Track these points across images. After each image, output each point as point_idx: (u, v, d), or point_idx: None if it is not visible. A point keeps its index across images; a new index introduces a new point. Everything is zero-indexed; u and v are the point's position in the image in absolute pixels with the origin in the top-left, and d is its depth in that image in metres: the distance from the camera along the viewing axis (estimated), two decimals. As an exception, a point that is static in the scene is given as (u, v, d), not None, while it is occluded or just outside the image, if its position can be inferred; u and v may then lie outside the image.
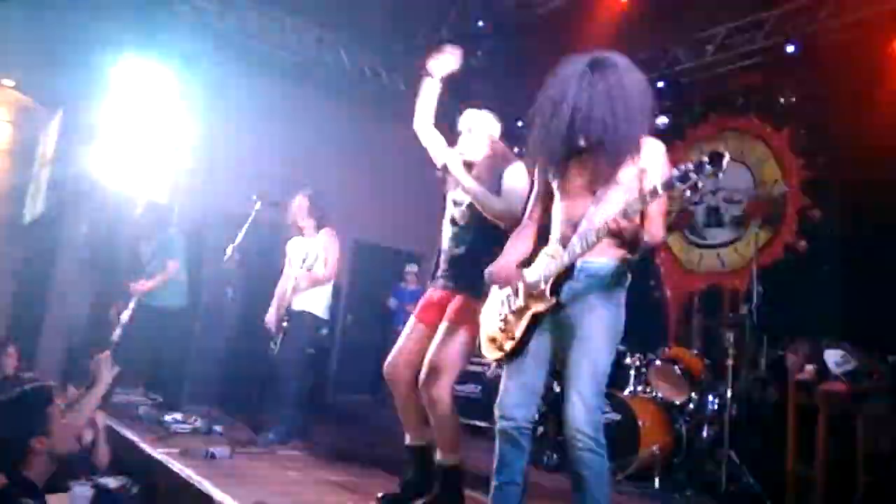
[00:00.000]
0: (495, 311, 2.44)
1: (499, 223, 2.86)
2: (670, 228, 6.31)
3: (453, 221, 3.09)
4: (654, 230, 2.18)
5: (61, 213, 6.26)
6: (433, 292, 3.11)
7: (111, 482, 2.88)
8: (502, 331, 2.37)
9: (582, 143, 2.25)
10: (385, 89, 7.37)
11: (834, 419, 3.64)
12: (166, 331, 5.12)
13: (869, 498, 3.48)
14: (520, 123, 5.67)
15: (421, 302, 3.18)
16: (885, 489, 3.46)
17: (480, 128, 3.10)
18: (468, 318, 2.80)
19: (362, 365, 7.38)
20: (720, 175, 1.87)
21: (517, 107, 3.83)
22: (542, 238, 2.42)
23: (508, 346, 2.33)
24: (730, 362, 4.32)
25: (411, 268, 7.44)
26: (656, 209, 2.18)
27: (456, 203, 3.09)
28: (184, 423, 4.40)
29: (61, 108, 6.59)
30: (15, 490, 2.15)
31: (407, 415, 3.14)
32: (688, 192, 1.96)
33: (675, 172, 1.94)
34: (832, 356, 3.63)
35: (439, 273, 3.11)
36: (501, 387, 2.40)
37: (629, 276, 2.28)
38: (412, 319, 3.17)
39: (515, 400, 2.34)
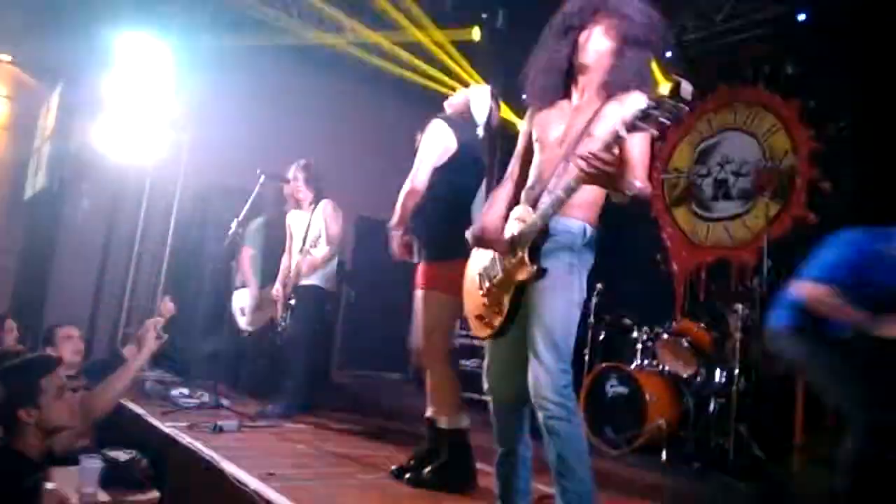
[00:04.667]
0: (475, 285, 2.35)
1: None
2: (677, 202, 6.26)
3: None
4: (639, 175, 2.03)
5: (62, 189, 6.21)
6: None
7: (121, 455, 2.87)
8: (487, 306, 2.28)
9: (585, 58, 2.18)
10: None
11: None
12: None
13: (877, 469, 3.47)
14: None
15: None
16: (892, 461, 3.45)
17: None
18: (429, 282, 3.03)
19: (365, 340, 7.38)
20: (683, 107, 1.72)
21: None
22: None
23: (497, 321, 2.24)
24: (738, 335, 4.30)
25: None
26: (638, 156, 2.05)
27: None
28: (190, 397, 4.40)
29: (60, 83, 6.50)
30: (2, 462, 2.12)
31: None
32: (653, 131, 1.81)
33: (636, 111, 1.78)
34: (843, 328, 3.60)
35: None
36: (485, 361, 2.38)
37: (594, 235, 2.19)
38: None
39: (500, 372, 2.31)
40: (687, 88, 1.73)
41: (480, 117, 3.34)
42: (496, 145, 6.82)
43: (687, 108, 1.74)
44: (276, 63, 6.66)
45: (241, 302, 5.18)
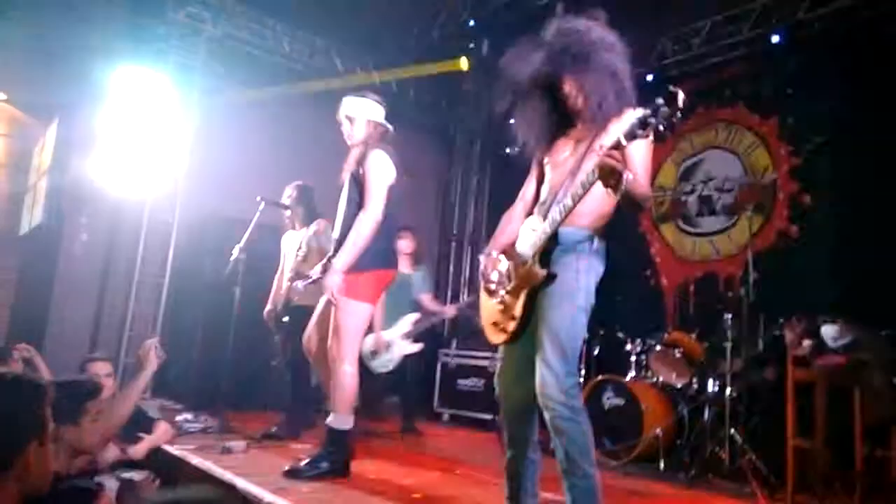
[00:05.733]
0: (491, 294, 2.48)
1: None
2: (664, 218, 6.43)
3: None
4: (642, 180, 2.18)
5: (60, 223, 6.28)
6: None
7: (135, 475, 2.94)
8: (502, 312, 2.41)
9: (566, 92, 2.33)
10: (377, 91, 7.42)
11: (832, 392, 3.75)
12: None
13: (867, 467, 3.59)
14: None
15: None
16: (881, 459, 3.57)
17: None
18: (355, 292, 3.26)
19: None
20: (679, 115, 1.86)
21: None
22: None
23: (511, 326, 2.36)
24: (728, 344, 4.43)
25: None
26: (640, 163, 2.21)
27: None
28: (195, 422, 4.45)
29: (56, 119, 6.61)
30: None
31: None
32: (650, 137, 1.93)
33: (634, 120, 1.91)
34: (829, 331, 3.74)
35: None
36: (498, 364, 2.50)
37: (602, 246, 2.33)
38: None
39: (512, 377, 2.42)
40: (681, 97, 1.86)
41: (382, 120, 3.62)
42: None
43: (681, 116, 1.88)
44: (270, 93, 6.80)
45: (368, 345, 4.99)
